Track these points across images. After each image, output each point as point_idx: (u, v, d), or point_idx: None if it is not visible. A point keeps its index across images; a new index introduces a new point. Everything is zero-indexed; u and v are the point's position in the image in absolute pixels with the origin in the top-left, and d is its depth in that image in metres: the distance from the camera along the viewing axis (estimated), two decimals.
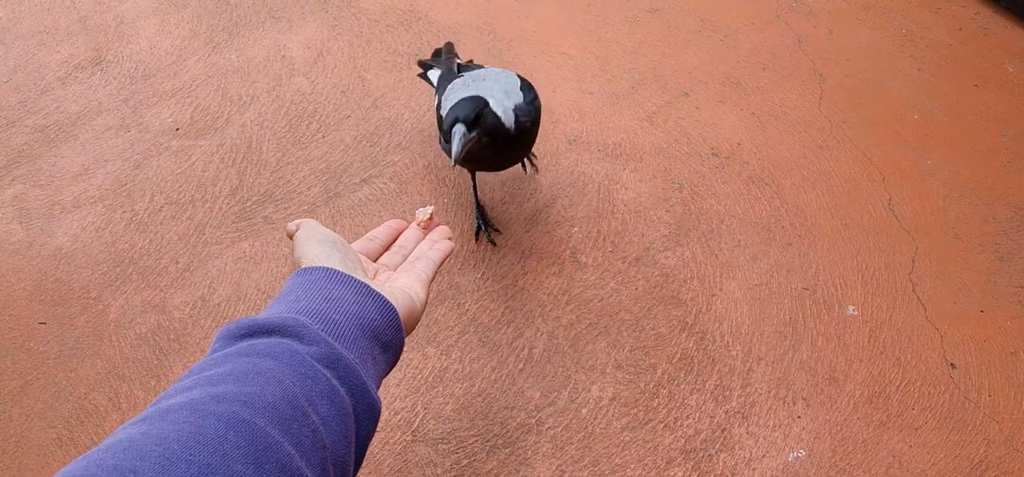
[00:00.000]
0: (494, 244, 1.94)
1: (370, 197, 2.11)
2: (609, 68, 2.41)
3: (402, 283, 0.95)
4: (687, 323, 1.80)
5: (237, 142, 2.29)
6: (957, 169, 2.07)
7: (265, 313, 0.81)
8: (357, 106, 2.36)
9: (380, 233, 1.13)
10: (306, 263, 0.88)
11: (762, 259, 1.91)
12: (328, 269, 0.85)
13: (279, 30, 2.65)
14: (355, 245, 1.06)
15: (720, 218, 2.00)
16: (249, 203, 2.13)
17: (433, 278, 1.03)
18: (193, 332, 1.87)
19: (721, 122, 2.23)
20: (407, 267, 1.02)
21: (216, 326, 1.87)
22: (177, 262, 2.02)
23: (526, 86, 1.74)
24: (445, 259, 1.10)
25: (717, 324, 1.79)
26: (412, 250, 1.11)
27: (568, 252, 1.95)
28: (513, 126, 1.61)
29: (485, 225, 1.97)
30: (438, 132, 1.83)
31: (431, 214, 1.22)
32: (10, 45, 2.71)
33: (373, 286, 0.86)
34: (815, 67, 2.36)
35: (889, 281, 1.85)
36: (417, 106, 2.34)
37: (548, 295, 1.87)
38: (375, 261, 1.07)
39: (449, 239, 1.16)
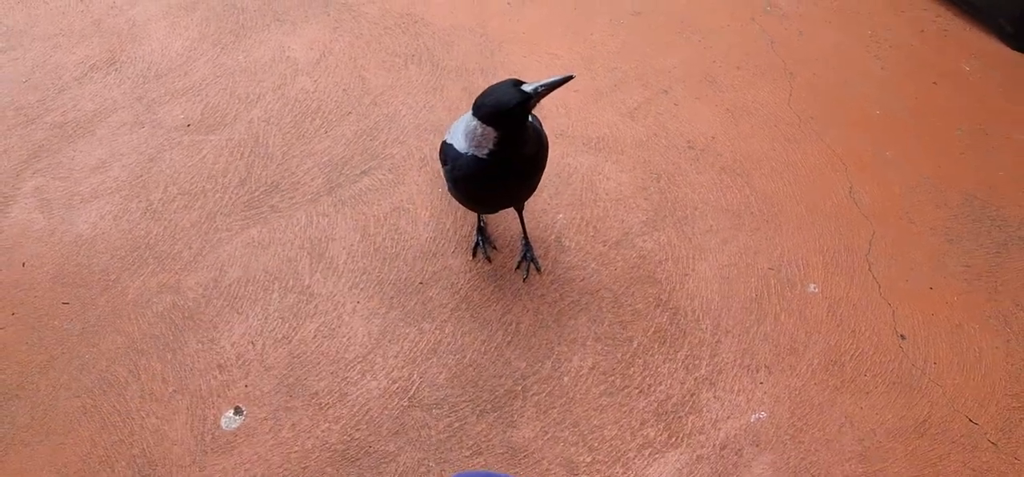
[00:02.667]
0: (489, 261, 2.07)
1: (370, 187, 2.26)
2: (594, 67, 2.57)
3: None
4: (662, 300, 1.95)
5: (245, 137, 2.44)
6: (914, 160, 2.24)
7: None
8: (357, 103, 2.51)
9: None
10: None
11: (732, 242, 2.06)
12: None
13: (283, 32, 2.81)
14: None
15: (694, 205, 2.16)
16: (257, 193, 2.28)
17: None
18: (205, 311, 2.02)
19: (697, 117, 2.39)
20: None
21: (228, 305, 2.02)
22: (190, 247, 2.17)
23: (533, 114, 1.82)
24: None
25: (689, 301, 1.95)
26: None
27: (553, 237, 2.11)
28: (533, 121, 1.69)
29: (483, 242, 2.08)
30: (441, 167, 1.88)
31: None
32: (28, 47, 2.86)
33: None
34: (786, 66, 2.52)
35: (848, 261, 2.01)
36: (414, 103, 2.49)
37: (534, 276, 2.02)
38: None
39: None
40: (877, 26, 2.63)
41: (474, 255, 2.08)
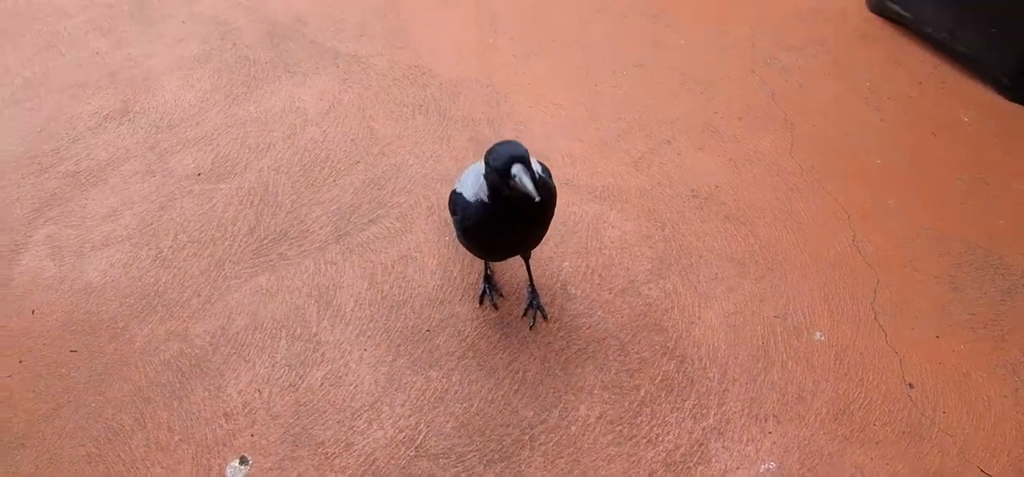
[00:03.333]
0: (496, 309, 2.03)
1: (377, 235, 2.24)
2: (599, 118, 2.56)
3: None
4: (668, 348, 1.91)
5: (255, 186, 2.42)
6: (916, 209, 2.21)
7: None
8: (366, 153, 2.50)
9: None
10: None
11: (737, 290, 2.03)
12: None
13: (294, 83, 2.81)
14: None
15: (699, 253, 2.13)
16: (266, 241, 2.25)
17: None
18: (213, 358, 1.98)
19: (701, 167, 2.37)
20: None
21: (235, 353, 1.98)
22: (199, 295, 2.14)
23: (542, 164, 1.79)
24: None
25: (696, 349, 1.91)
26: None
27: (559, 284, 2.07)
28: (539, 174, 1.63)
29: (490, 290, 2.05)
30: (451, 217, 1.84)
31: None
32: (44, 98, 2.87)
33: None
34: (787, 117, 2.51)
35: (853, 309, 1.97)
36: (421, 152, 2.48)
37: (541, 323, 1.98)
38: None
39: None
40: (876, 78, 2.63)
41: (481, 303, 2.04)
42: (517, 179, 1.48)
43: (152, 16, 3.27)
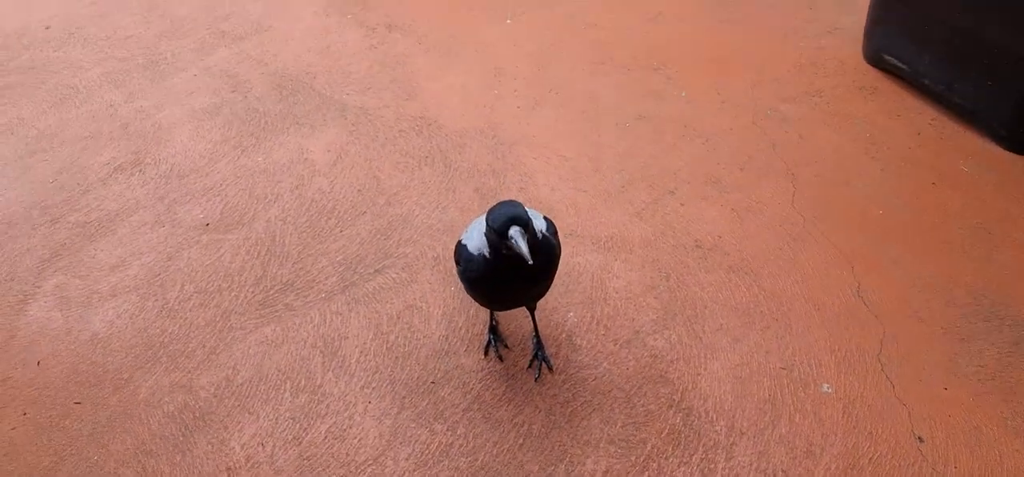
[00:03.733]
0: (501, 360, 1.99)
1: (383, 286, 2.21)
2: (602, 169, 2.55)
3: None
4: (674, 401, 1.87)
5: (262, 236, 2.41)
6: (920, 259, 2.18)
7: None
8: (372, 203, 2.49)
9: None
10: None
11: (743, 341, 1.99)
12: None
13: (302, 135, 2.82)
14: None
15: (704, 304, 2.10)
16: (272, 291, 2.23)
17: None
18: (217, 410, 1.94)
19: (704, 217, 2.35)
20: None
21: (239, 405, 1.94)
22: (204, 346, 2.10)
23: (549, 221, 1.77)
24: None
25: (702, 401, 1.87)
26: None
27: (564, 335, 2.04)
28: (541, 234, 1.63)
29: (495, 340, 2.01)
30: (456, 269, 1.82)
31: None
32: (57, 149, 2.88)
33: None
34: (788, 168, 2.50)
35: (860, 361, 1.93)
36: (427, 202, 2.47)
37: (546, 375, 1.95)
38: None
39: None
40: (874, 129, 2.62)
41: (486, 353, 2.01)
42: (513, 241, 1.49)
43: (165, 69, 3.29)
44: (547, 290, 1.83)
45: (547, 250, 1.67)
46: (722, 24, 3.24)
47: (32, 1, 3.99)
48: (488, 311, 2.03)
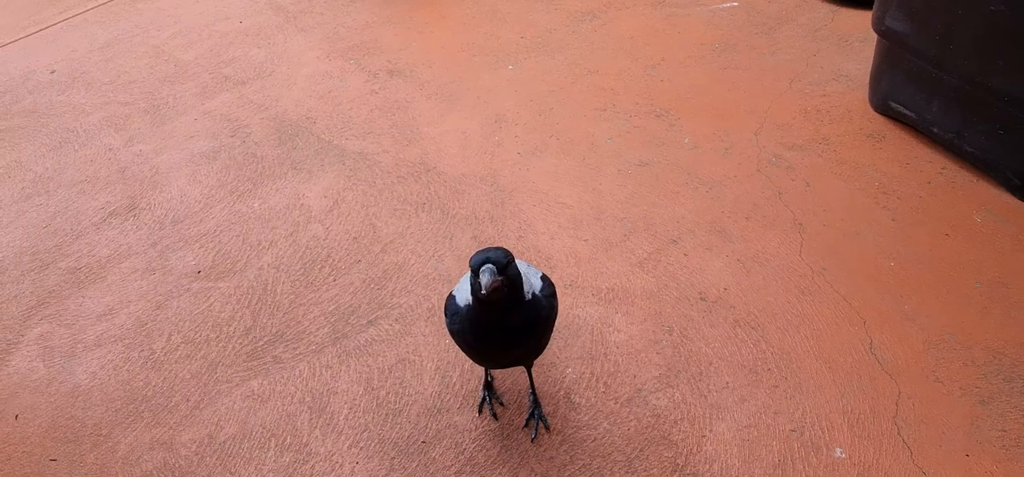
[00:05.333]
0: (495, 418, 1.86)
1: (375, 338, 2.09)
2: (603, 217, 2.44)
3: None
4: (678, 465, 1.73)
5: (254, 284, 2.30)
6: (934, 314, 2.04)
7: None
8: (367, 251, 2.38)
9: None
10: None
11: (750, 400, 1.86)
12: None
13: (299, 180, 2.72)
14: None
15: (709, 360, 1.97)
16: (261, 343, 2.11)
17: None
18: (197, 471, 1.81)
19: (708, 268, 2.23)
20: None
21: (220, 464, 1.81)
22: (188, 400, 1.98)
23: (547, 281, 1.67)
24: None
25: (707, 465, 1.72)
26: None
27: (562, 392, 1.91)
28: (529, 296, 1.54)
29: (490, 397, 1.89)
30: (445, 320, 1.72)
31: None
32: (52, 193, 2.79)
33: None
34: (795, 217, 2.37)
35: (874, 424, 1.79)
36: (424, 251, 2.36)
37: (543, 435, 1.81)
38: None
39: None
40: (884, 178, 2.50)
41: (480, 411, 1.88)
42: (482, 278, 1.42)
43: (166, 114, 3.22)
44: (539, 352, 1.70)
45: (532, 309, 1.55)
46: (724, 71, 3.14)
47: (40, 46, 3.95)
48: (484, 374, 1.90)
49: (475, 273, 1.45)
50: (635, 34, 3.48)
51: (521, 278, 1.51)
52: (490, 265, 1.42)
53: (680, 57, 3.27)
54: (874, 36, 2.74)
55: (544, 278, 1.66)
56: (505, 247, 1.53)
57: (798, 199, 2.45)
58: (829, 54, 3.18)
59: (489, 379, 1.90)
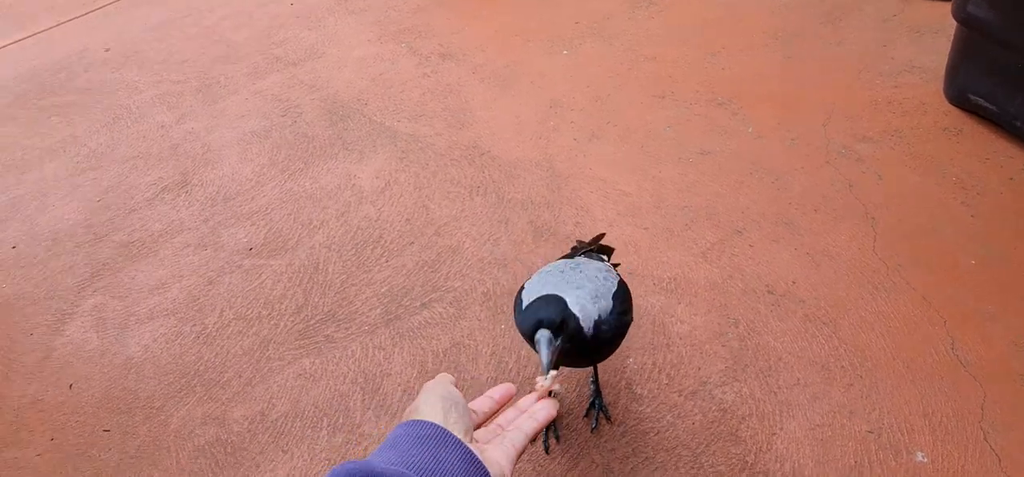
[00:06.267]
0: (547, 452, 1.72)
1: (429, 321, 2.05)
2: (663, 205, 2.37)
3: (491, 455, 0.88)
4: (747, 462, 1.65)
5: (305, 263, 2.27)
6: (1020, 315, 1.93)
7: (379, 459, 0.78)
8: (420, 233, 2.34)
9: (497, 393, 1.06)
10: (422, 414, 0.86)
11: (823, 399, 1.77)
12: (441, 429, 0.84)
13: (351, 161, 2.70)
14: (474, 404, 1.00)
15: (778, 355, 1.88)
16: (313, 322, 2.09)
17: (523, 450, 0.96)
18: (249, 447, 1.79)
19: (775, 260, 2.14)
20: (498, 441, 0.94)
21: (273, 441, 1.79)
22: (240, 376, 1.97)
23: (620, 295, 1.53)
24: (540, 428, 1.02)
25: (779, 464, 1.65)
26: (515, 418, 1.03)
27: (623, 382, 1.84)
28: (591, 331, 1.39)
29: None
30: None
31: (549, 387, 1.08)
32: (106, 168, 2.81)
33: (479, 457, 0.84)
34: (867, 211, 2.27)
35: (958, 428, 1.69)
36: (478, 235, 2.31)
37: (603, 425, 1.75)
38: (485, 423, 1.01)
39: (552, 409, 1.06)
40: (961, 173, 2.38)
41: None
42: (539, 347, 1.25)
43: (218, 93, 3.23)
44: (603, 359, 1.59)
45: (595, 337, 1.41)
46: (788, 60, 3.04)
47: (95, 25, 4.00)
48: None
49: (530, 341, 1.30)
50: (694, 20, 3.39)
51: (579, 321, 1.35)
52: (545, 333, 1.26)
53: (741, 44, 3.17)
54: (948, 27, 2.62)
55: (615, 296, 1.51)
56: (556, 296, 1.34)
57: (870, 192, 2.34)
58: (900, 45, 3.05)
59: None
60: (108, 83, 3.41)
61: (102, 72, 3.51)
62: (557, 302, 1.32)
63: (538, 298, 1.34)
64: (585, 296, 1.42)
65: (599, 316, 1.43)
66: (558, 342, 1.26)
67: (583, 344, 1.38)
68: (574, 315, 1.33)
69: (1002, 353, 1.84)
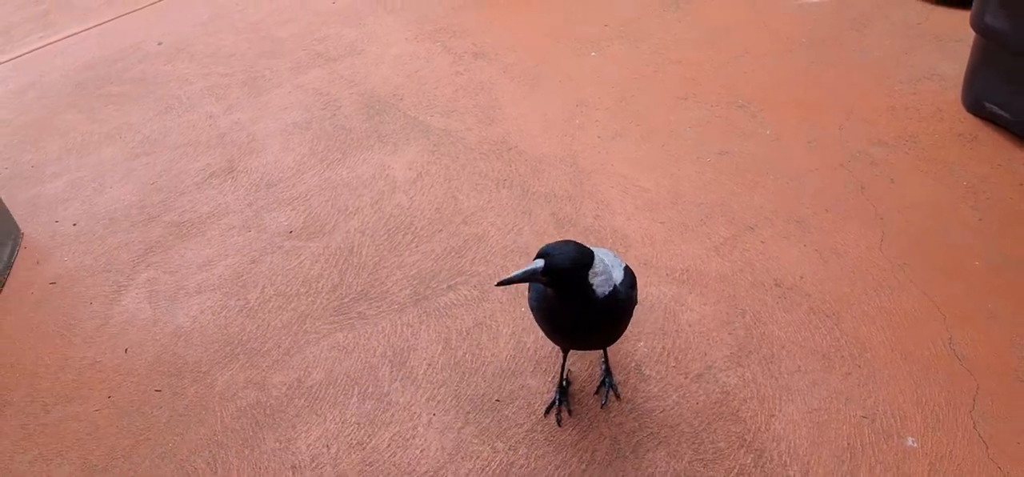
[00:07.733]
0: (559, 425, 1.86)
1: (454, 302, 2.21)
2: (680, 201, 2.49)
3: None
4: (746, 440, 1.78)
5: (341, 246, 2.45)
6: (1021, 315, 2.02)
7: None
8: (448, 221, 2.50)
9: None
10: None
11: (821, 385, 1.89)
12: None
13: (385, 152, 2.87)
14: None
15: (781, 344, 2.00)
16: (347, 299, 2.26)
17: None
18: (287, 409, 1.96)
19: (785, 256, 2.26)
20: None
21: (308, 406, 1.96)
22: (279, 346, 2.14)
23: (629, 272, 1.68)
24: None
25: (775, 443, 1.77)
26: None
27: (633, 364, 1.98)
28: (606, 293, 1.55)
29: (561, 401, 1.89)
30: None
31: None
32: (159, 154, 3.02)
33: None
34: (877, 212, 2.37)
35: (950, 417, 1.79)
36: (503, 224, 2.46)
37: (613, 402, 1.89)
38: None
39: None
40: (972, 178, 2.46)
41: (546, 413, 1.88)
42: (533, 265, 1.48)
43: (262, 86, 3.43)
44: (613, 340, 1.76)
45: (611, 301, 1.58)
46: (811, 64, 3.14)
47: (149, 19, 4.25)
48: (562, 359, 1.92)
49: (573, 260, 1.50)
50: (720, 24, 3.50)
51: (567, 277, 1.51)
52: (540, 262, 1.48)
53: (765, 49, 3.27)
54: (970, 36, 2.70)
55: (627, 270, 1.68)
56: (575, 240, 1.54)
57: (881, 194, 2.44)
58: (922, 52, 3.13)
59: (564, 384, 1.92)
60: (160, 74, 3.64)
61: (155, 64, 3.74)
62: (583, 252, 1.51)
63: (574, 242, 1.52)
64: (609, 259, 1.63)
65: (617, 280, 1.60)
66: (539, 274, 1.47)
67: (592, 314, 1.55)
68: (567, 268, 1.49)
69: (999, 350, 1.93)
